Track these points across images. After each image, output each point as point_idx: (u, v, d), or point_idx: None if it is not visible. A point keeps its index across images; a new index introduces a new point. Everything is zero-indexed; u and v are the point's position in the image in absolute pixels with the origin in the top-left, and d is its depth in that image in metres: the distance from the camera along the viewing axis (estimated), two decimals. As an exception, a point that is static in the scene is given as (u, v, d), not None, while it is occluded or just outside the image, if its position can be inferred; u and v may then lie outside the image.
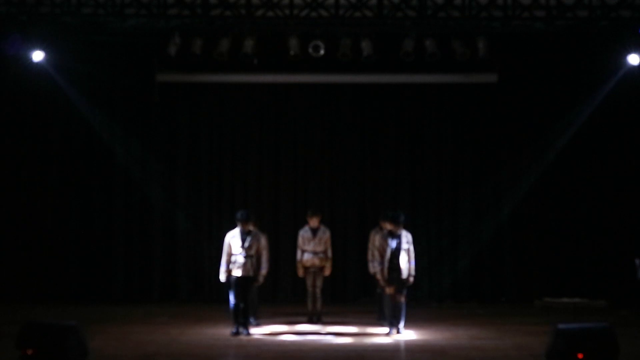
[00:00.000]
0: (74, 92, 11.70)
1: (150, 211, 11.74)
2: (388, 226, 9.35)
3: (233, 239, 9.16)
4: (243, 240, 9.12)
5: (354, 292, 11.88)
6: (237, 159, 12.00)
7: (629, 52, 10.62)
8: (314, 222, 9.96)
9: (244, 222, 9.13)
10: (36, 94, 11.78)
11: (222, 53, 10.83)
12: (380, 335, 9.30)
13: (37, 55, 10.58)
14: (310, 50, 10.60)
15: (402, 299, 9.19)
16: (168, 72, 11.61)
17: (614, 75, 11.41)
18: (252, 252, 9.15)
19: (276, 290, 11.83)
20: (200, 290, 11.88)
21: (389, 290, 9.18)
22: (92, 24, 10.21)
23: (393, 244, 9.16)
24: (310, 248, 9.90)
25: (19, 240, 11.63)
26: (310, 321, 9.92)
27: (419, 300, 11.46)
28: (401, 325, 9.21)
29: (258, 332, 9.58)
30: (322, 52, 10.63)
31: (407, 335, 9.22)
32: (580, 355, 7.24)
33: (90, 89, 11.85)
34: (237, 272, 9.09)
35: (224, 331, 9.69)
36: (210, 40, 10.92)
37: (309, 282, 9.95)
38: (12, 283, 11.53)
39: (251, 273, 9.16)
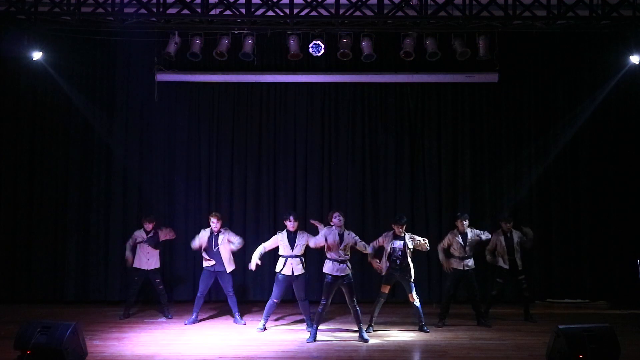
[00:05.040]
0: (74, 92, 11.68)
1: (149, 211, 11.69)
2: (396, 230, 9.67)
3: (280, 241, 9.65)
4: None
5: (359, 293, 11.82)
6: (237, 159, 11.98)
7: (630, 51, 10.59)
8: (339, 222, 9.08)
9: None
10: (36, 93, 11.77)
11: (222, 53, 10.84)
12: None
13: (37, 55, 10.55)
14: (310, 50, 10.60)
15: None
16: (168, 72, 11.61)
17: (615, 74, 11.41)
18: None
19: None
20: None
21: (384, 289, 9.59)
22: (92, 23, 10.18)
23: (399, 244, 9.53)
24: (337, 256, 9.03)
25: (19, 241, 11.60)
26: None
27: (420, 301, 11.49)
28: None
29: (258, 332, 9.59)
30: (322, 51, 10.63)
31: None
32: (581, 356, 7.24)
33: (90, 88, 11.84)
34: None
35: (223, 331, 9.70)
36: (210, 40, 10.93)
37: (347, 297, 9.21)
38: (12, 283, 11.52)
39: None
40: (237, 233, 10.98)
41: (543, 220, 11.89)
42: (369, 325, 9.57)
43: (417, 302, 9.57)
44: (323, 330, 9.55)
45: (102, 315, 10.56)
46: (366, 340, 9.00)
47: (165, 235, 10.60)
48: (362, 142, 12.03)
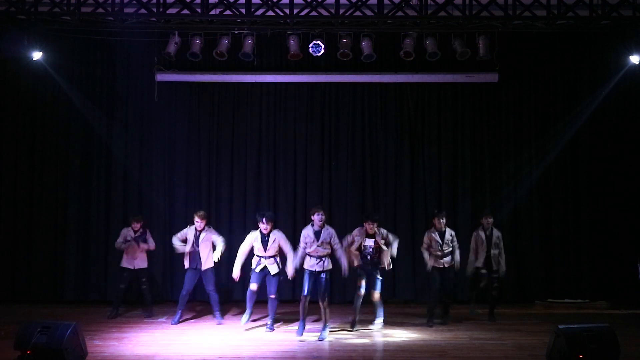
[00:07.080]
0: (74, 92, 11.68)
1: (149, 211, 11.71)
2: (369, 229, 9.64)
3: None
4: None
5: (352, 292, 11.82)
6: (237, 159, 11.98)
7: (630, 51, 10.58)
8: (319, 221, 9.35)
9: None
10: (36, 93, 11.77)
11: (222, 53, 10.84)
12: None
13: (37, 55, 10.55)
14: (310, 50, 10.60)
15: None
16: (168, 72, 11.61)
17: (615, 74, 11.40)
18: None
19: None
20: (199, 290, 11.82)
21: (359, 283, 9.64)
22: (92, 23, 10.18)
23: (370, 242, 9.52)
24: (314, 252, 9.28)
25: (19, 241, 11.60)
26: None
27: (421, 301, 11.49)
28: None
29: (258, 332, 9.59)
30: (322, 51, 10.63)
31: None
32: (581, 356, 7.24)
33: (90, 88, 11.84)
34: None
35: (223, 331, 9.70)
36: (210, 40, 10.93)
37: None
38: (12, 283, 11.52)
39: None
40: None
41: (543, 220, 11.89)
42: (353, 322, 9.66)
43: (377, 300, 9.62)
44: (321, 329, 9.56)
45: (102, 315, 10.54)
46: (322, 339, 9.09)
47: (147, 242, 10.51)
48: (362, 142, 12.02)
